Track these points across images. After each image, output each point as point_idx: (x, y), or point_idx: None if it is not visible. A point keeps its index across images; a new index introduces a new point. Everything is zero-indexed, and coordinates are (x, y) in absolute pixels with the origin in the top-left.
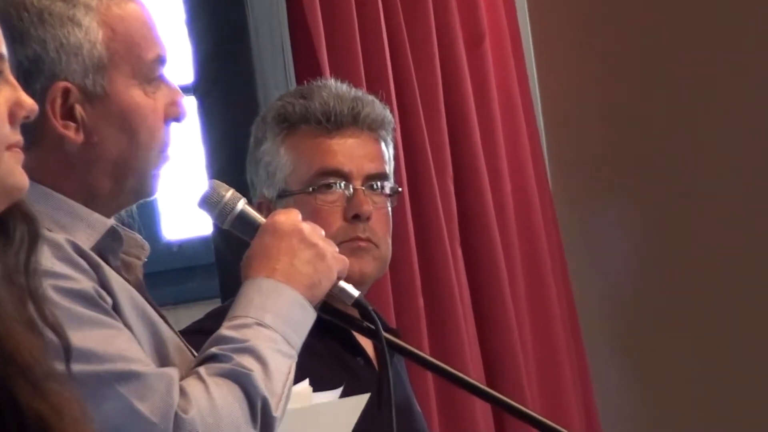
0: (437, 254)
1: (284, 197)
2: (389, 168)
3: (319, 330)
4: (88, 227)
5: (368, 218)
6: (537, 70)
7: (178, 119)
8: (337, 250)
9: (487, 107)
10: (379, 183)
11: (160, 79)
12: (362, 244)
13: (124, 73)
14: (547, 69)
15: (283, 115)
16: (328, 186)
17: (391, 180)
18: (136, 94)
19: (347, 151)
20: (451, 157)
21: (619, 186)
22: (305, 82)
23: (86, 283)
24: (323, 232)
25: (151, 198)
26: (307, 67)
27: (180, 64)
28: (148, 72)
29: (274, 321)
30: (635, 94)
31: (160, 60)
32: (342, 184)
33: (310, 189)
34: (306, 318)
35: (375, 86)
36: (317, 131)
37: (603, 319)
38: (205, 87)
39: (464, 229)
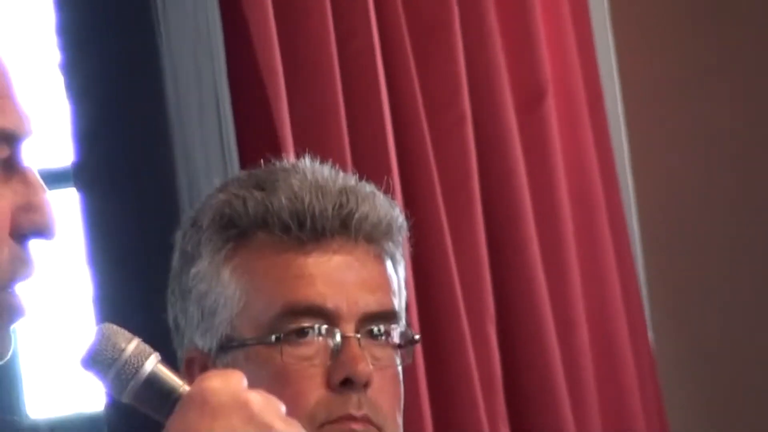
0: None
1: (230, 350)
2: (399, 303)
3: None
4: None
5: (366, 384)
6: (629, 140)
7: (38, 234)
8: None
9: (550, 208)
10: (383, 327)
11: (4, 166)
12: (357, 426)
13: None
14: (642, 138)
15: (228, 216)
16: (301, 332)
17: (403, 322)
18: None
19: (332, 275)
20: (492, 285)
21: None
22: (258, 161)
23: None
24: (283, 408)
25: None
26: (258, 137)
27: (52, 138)
28: None
29: None
30: None
31: (5, 135)
32: (324, 330)
33: (273, 338)
34: None
35: (370, 172)
36: (283, 243)
37: None
38: (92, 171)
39: (513, 399)
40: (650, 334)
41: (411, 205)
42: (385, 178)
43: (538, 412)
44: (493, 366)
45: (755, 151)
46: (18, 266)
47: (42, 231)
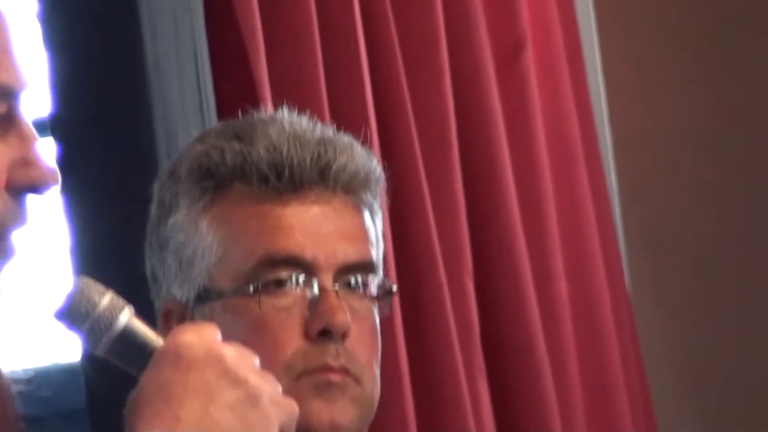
0: (445, 393)
1: (208, 301)
2: (377, 253)
3: None
4: None
5: (344, 336)
6: (607, 91)
7: (34, 189)
8: (279, 389)
9: (529, 164)
10: (360, 278)
11: (3, 123)
12: (334, 377)
13: None
14: (620, 88)
15: (206, 167)
16: (279, 283)
17: (381, 273)
18: None
19: (310, 226)
20: (470, 242)
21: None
22: (235, 113)
23: None
24: (257, 361)
25: None
26: (236, 89)
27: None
28: None
29: None
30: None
31: (2, 91)
32: (301, 280)
33: (251, 288)
34: None
35: (348, 125)
36: (261, 194)
37: None
38: (69, 122)
39: (492, 355)
40: (628, 285)
41: (389, 157)
42: (363, 129)
43: (516, 363)
44: (471, 318)
45: (731, 95)
46: (10, 218)
47: (38, 186)
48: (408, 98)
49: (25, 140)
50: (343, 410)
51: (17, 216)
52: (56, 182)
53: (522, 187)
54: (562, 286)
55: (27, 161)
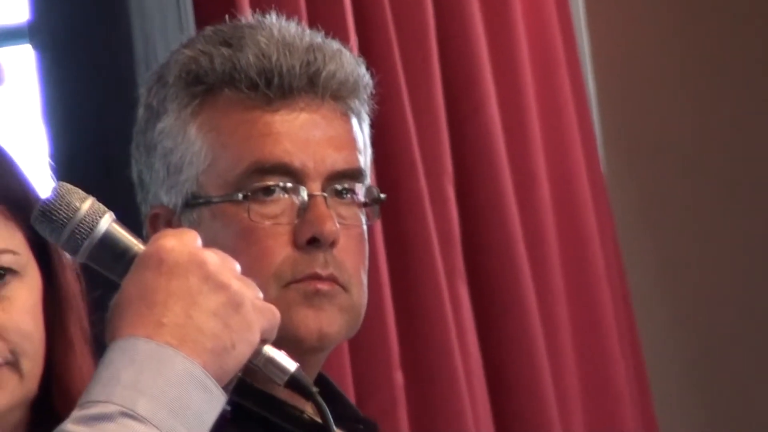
0: (426, 297)
1: (196, 207)
2: (365, 161)
3: (242, 425)
4: None
5: (333, 243)
6: (587, 11)
7: None
8: (261, 295)
9: (509, 65)
10: (348, 185)
11: None
12: (322, 286)
13: None
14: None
15: (195, 72)
16: (268, 190)
17: (368, 180)
18: None
19: (299, 133)
20: (450, 146)
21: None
22: (213, 19)
23: None
24: (239, 267)
25: None
26: None
27: None
28: None
29: (152, 409)
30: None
31: None
32: (290, 187)
33: (240, 195)
34: (208, 404)
35: (325, 26)
36: (250, 101)
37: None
38: (47, 28)
39: (471, 257)
40: (609, 187)
41: (367, 60)
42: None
43: (496, 267)
44: (451, 223)
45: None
46: None
47: None
48: (386, 1)
49: None
50: (330, 319)
51: None
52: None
53: (502, 92)
54: (543, 189)
55: None
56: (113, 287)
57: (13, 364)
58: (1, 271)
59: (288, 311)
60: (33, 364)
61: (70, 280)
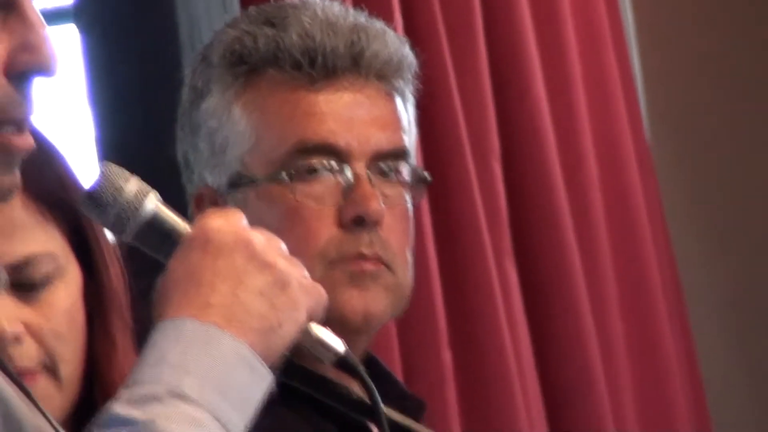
0: (474, 276)
1: (241, 186)
2: (409, 140)
3: (289, 404)
4: None
5: (377, 223)
6: None
7: (36, 72)
8: (307, 274)
9: (556, 45)
10: (393, 164)
11: (2, 7)
12: (368, 266)
13: None
14: None
15: (238, 53)
16: (312, 170)
17: (413, 159)
18: None
19: (343, 113)
20: (497, 125)
21: None
22: (257, 1)
23: None
24: (285, 247)
25: None
26: None
27: None
28: None
29: (199, 389)
30: None
31: None
32: (334, 167)
33: (284, 175)
34: (255, 383)
35: (371, 10)
36: (294, 81)
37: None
38: (93, 9)
39: (519, 236)
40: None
41: (413, 41)
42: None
43: (544, 245)
44: (499, 202)
45: None
46: (11, 105)
47: (39, 69)
48: None
49: (26, 25)
50: (376, 299)
51: (19, 102)
52: (56, 68)
53: (549, 69)
54: (591, 168)
55: (27, 46)
56: (160, 270)
57: (51, 370)
58: (44, 279)
59: (333, 291)
60: (71, 368)
61: (113, 275)
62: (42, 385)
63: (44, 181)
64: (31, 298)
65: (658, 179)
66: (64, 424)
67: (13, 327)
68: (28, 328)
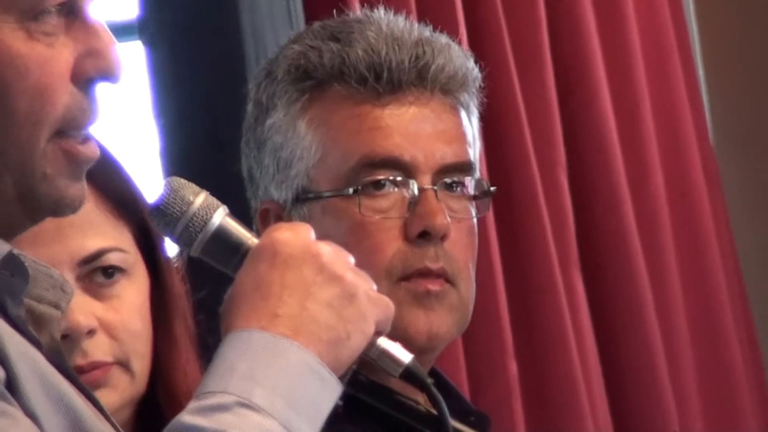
0: (540, 287)
1: (306, 202)
2: (474, 153)
3: (353, 417)
4: None
5: (443, 237)
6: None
7: (103, 78)
8: (375, 287)
9: (621, 55)
10: (458, 178)
11: (66, 16)
12: (432, 286)
13: None
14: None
15: (304, 68)
16: (378, 184)
17: (477, 173)
18: (8, 37)
19: (408, 127)
20: (563, 136)
21: None
22: (322, 14)
23: None
24: (352, 259)
25: (61, 212)
26: None
27: None
28: (33, 2)
29: (268, 399)
30: None
31: None
32: (400, 181)
33: (350, 190)
34: (323, 393)
35: (436, 24)
36: (359, 95)
37: None
38: (157, 24)
39: (586, 246)
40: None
41: (478, 54)
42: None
43: (611, 256)
44: (565, 213)
45: None
46: (78, 112)
47: (105, 74)
48: None
49: (91, 32)
50: (440, 319)
51: (86, 109)
52: (121, 73)
53: (614, 79)
54: (657, 178)
55: (92, 52)
56: (218, 288)
57: (124, 364)
58: (111, 270)
59: (398, 309)
60: (142, 364)
61: (176, 281)
62: (115, 378)
63: (116, 187)
64: (103, 294)
65: (723, 188)
66: (130, 420)
67: (88, 321)
68: (102, 322)
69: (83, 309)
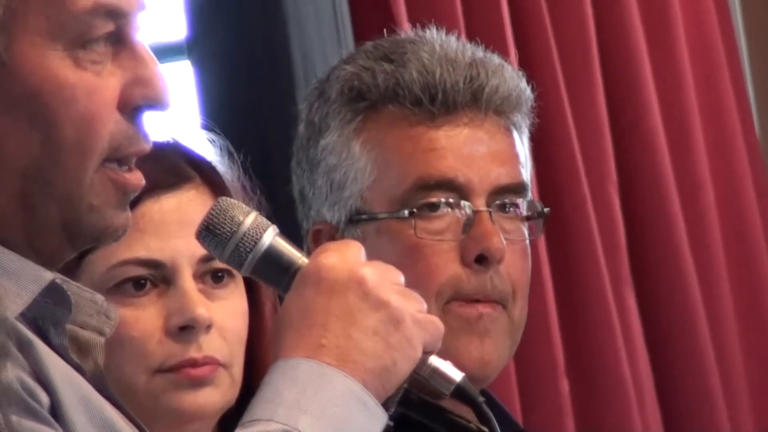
0: (591, 305)
1: (360, 223)
2: (527, 174)
3: None
4: (12, 283)
5: (500, 260)
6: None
7: (150, 106)
8: (424, 306)
9: (670, 71)
10: (512, 199)
11: (113, 44)
12: (485, 310)
13: (34, 30)
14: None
15: (357, 89)
16: (433, 206)
17: (530, 194)
18: (56, 65)
19: (462, 148)
20: (613, 151)
21: None
22: (371, 34)
23: (8, 373)
24: (402, 278)
25: (105, 241)
26: (371, 10)
27: (163, 10)
28: (81, 28)
29: (314, 427)
30: None
31: (109, 10)
32: (454, 203)
33: (406, 212)
34: (369, 423)
35: (485, 43)
36: (414, 117)
37: None
38: (206, 45)
39: (637, 264)
40: None
41: (527, 72)
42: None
43: (662, 274)
44: (616, 230)
45: None
46: (124, 141)
47: (152, 103)
48: (546, 11)
49: (138, 60)
50: (493, 345)
51: (132, 137)
52: (169, 101)
53: (664, 96)
54: (708, 195)
55: (140, 80)
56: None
57: (229, 367)
58: (221, 274)
59: (449, 335)
60: (240, 372)
61: (265, 299)
62: (220, 378)
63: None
64: (215, 295)
65: None
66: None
67: (209, 315)
68: (214, 322)
69: (203, 303)
